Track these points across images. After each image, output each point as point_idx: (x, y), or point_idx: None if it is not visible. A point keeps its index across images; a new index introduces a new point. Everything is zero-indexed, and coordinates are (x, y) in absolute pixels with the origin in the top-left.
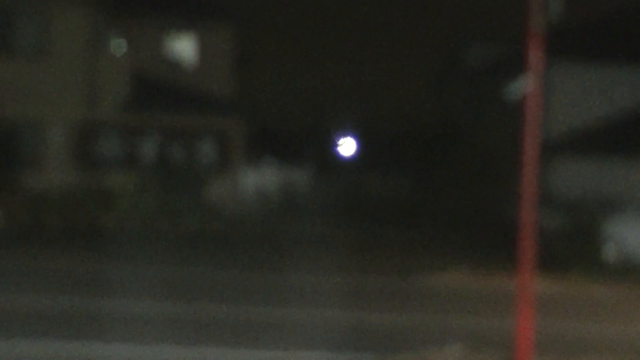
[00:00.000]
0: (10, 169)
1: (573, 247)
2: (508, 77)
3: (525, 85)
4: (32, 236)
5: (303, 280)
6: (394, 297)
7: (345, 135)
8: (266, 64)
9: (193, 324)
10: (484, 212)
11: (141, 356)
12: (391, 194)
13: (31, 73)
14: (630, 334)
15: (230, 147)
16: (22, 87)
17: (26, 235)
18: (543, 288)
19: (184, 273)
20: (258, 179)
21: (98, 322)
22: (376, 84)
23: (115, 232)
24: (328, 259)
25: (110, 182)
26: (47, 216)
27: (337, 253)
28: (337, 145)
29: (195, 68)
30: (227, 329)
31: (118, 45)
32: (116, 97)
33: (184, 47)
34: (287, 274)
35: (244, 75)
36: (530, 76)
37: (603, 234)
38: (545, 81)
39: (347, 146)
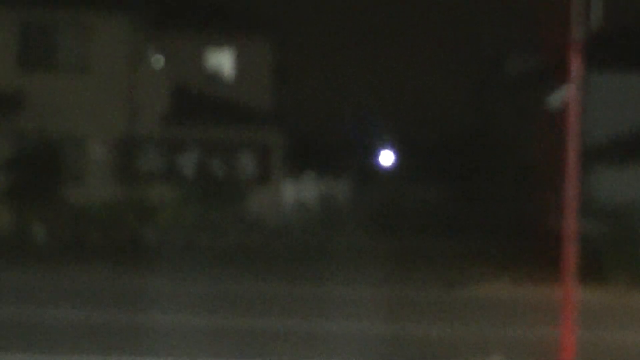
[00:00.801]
0: (52, 184)
1: (615, 256)
2: (548, 85)
3: (566, 94)
4: (74, 251)
5: (345, 292)
6: (435, 308)
7: (385, 146)
8: (305, 76)
9: (235, 337)
10: (525, 222)
11: None
12: (431, 204)
13: (72, 88)
14: None
15: (270, 160)
16: (63, 102)
17: (68, 249)
18: (586, 297)
19: (225, 287)
20: (298, 191)
21: (138, 337)
22: (416, 94)
23: (156, 246)
24: (369, 270)
25: (151, 196)
26: (89, 231)
27: (378, 264)
28: (377, 156)
29: (234, 81)
30: (269, 342)
31: (158, 60)
32: (157, 112)
33: (223, 61)
34: (329, 286)
35: (283, 88)
36: (570, 85)
37: None
38: (586, 90)
39: (386, 157)
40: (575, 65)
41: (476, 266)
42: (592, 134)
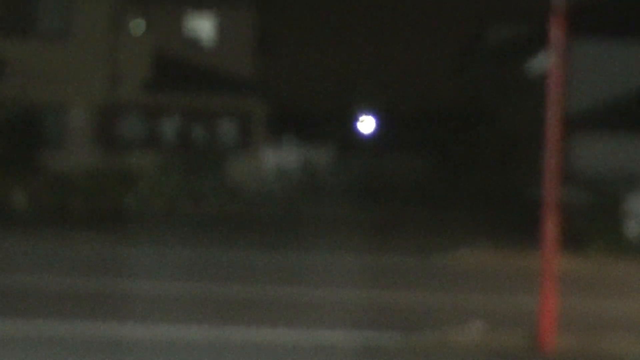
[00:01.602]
0: (32, 152)
1: (595, 225)
2: (530, 55)
3: (548, 63)
4: (54, 218)
5: (324, 260)
6: (415, 276)
7: (366, 114)
8: (287, 43)
9: (215, 303)
10: (506, 191)
11: (165, 335)
12: (413, 174)
13: (53, 55)
14: None
15: (252, 127)
16: (43, 69)
17: (49, 217)
18: (566, 266)
19: (206, 254)
20: (279, 159)
21: (120, 303)
22: (398, 63)
23: (137, 213)
24: (349, 238)
25: (133, 163)
26: (70, 198)
27: (358, 232)
28: (358, 123)
29: (216, 48)
30: (249, 308)
31: (138, 26)
32: (137, 79)
33: (204, 27)
34: (309, 254)
35: (265, 55)
36: (552, 53)
37: (626, 210)
38: (567, 58)
39: (367, 124)
40: (557, 33)
41: (457, 235)
42: (575, 102)
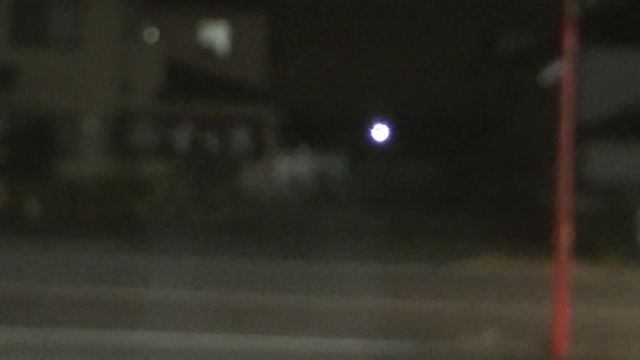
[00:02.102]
0: (45, 159)
1: (608, 233)
2: (542, 63)
3: (559, 71)
4: (67, 226)
5: (337, 267)
6: (428, 284)
7: (379, 122)
8: (300, 51)
9: (229, 312)
10: (519, 199)
11: (178, 343)
12: (425, 181)
13: (65, 63)
14: None
15: (265, 135)
16: (56, 77)
17: (62, 224)
18: (578, 274)
19: (219, 262)
20: (292, 167)
21: (134, 311)
22: (410, 71)
23: (150, 221)
24: (362, 246)
25: (145, 171)
26: (83, 206)
27: (371, 240)
28: (371, 131)
29: (229, 56)
30: (262, 316)
31: (151, 34)
32: (150, 86)
33: (217, 35)
34: (321, 262)
35: (278, 63)
36: (564, 62)
37: (638, 219)
38: (579, 67)
39: (380, 132)
40: (569, 41)
41: (469, 242)
42: (587, 110)
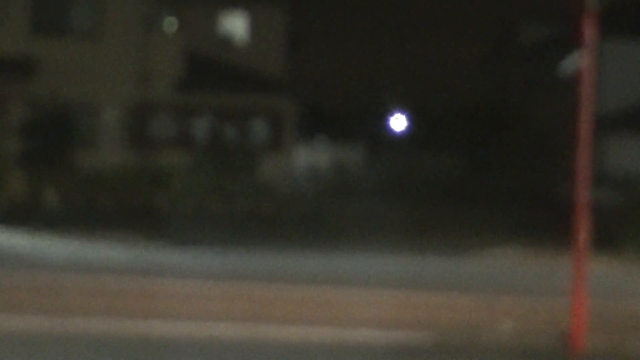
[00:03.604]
0: (64, 150)
1: (627, 226)
2: (562, 54)
3: (579, 63)
4: (86, 217)
5: (356, 259)
6: (447, 276)
7: (397, 112)
8: (318, 42)
9: (249, 302)
10: (538, 191)
11: (195, 333)
12: (444, 173)
13: (85, 54)
14: None
15: (283, 126)
16: (76, 68)
17: (80, 215)
18: (597, 266)
19: (237, 253)
20: (311, 158)
21: (152, 301)
22: (429, 62)
23: (168, 212)
24: (381, 238)
25: (164, 162)
26: (101, 196)
27: (390, 232)
28: (390, 121)
29: (248, 47)
30: (281, 307)
31: (170, 25)
32: (169, 77)
33: (236, 26)
34: (340, 253)
35: (297, 54)
36: (584, 53)
37: None
38: (599, 59)
39: (399, 122)
40: (589, 32)
41: (488, 235)
42: (606, 103)
